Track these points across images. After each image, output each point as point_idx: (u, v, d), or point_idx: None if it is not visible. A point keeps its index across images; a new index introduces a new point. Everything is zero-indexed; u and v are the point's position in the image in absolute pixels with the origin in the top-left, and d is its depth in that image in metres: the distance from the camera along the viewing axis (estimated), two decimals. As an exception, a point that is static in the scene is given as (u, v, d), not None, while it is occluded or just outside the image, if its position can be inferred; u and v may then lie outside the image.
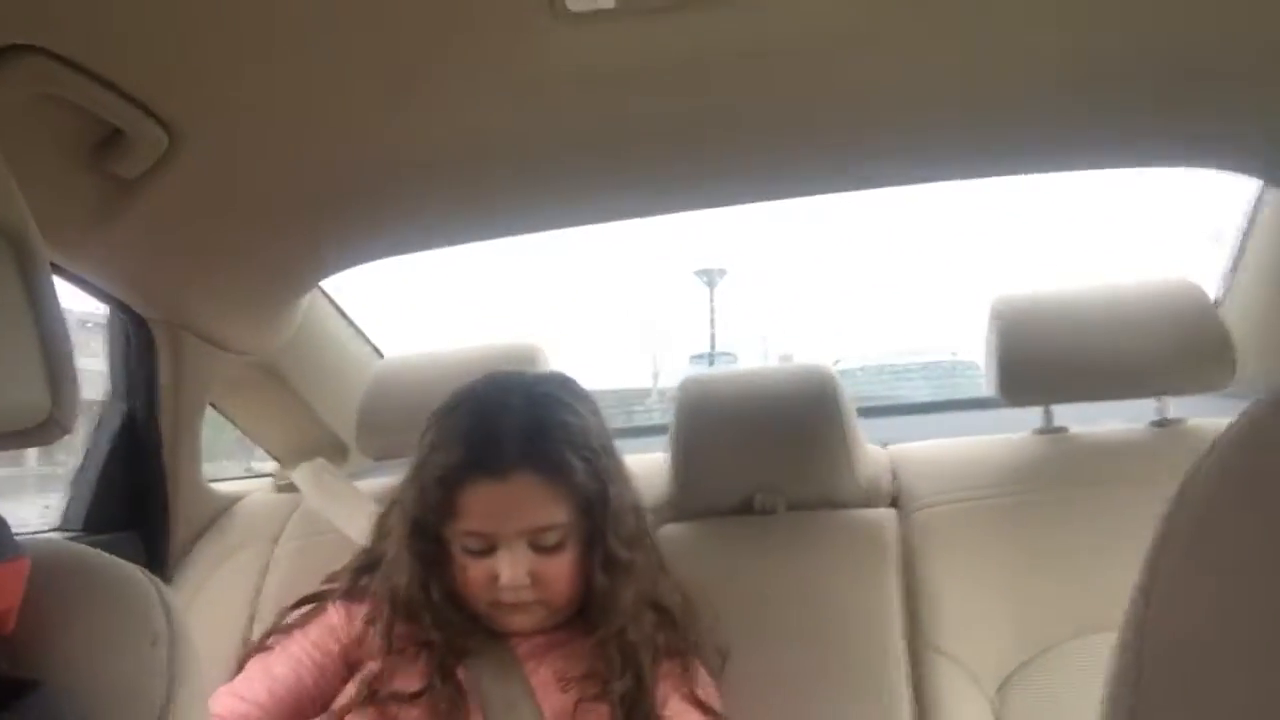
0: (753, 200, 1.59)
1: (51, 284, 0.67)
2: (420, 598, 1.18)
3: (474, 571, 1.16)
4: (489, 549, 1.16)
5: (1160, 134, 1.38)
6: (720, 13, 1.01)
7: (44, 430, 0.68)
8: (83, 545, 0.60)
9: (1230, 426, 0.38)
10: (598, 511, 1.17)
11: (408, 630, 1.19)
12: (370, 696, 1.14)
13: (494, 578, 1.15)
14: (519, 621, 1.19)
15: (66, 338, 0.67)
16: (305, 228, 1.44)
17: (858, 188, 1.55)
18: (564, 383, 1.26)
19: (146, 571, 0.58)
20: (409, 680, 1.15)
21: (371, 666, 1.18)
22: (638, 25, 1.00)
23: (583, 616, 1.21)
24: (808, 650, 1.36)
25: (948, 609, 1.37)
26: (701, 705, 1.21)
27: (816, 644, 1.36)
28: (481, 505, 1.14)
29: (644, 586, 1.22)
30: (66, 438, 0.69)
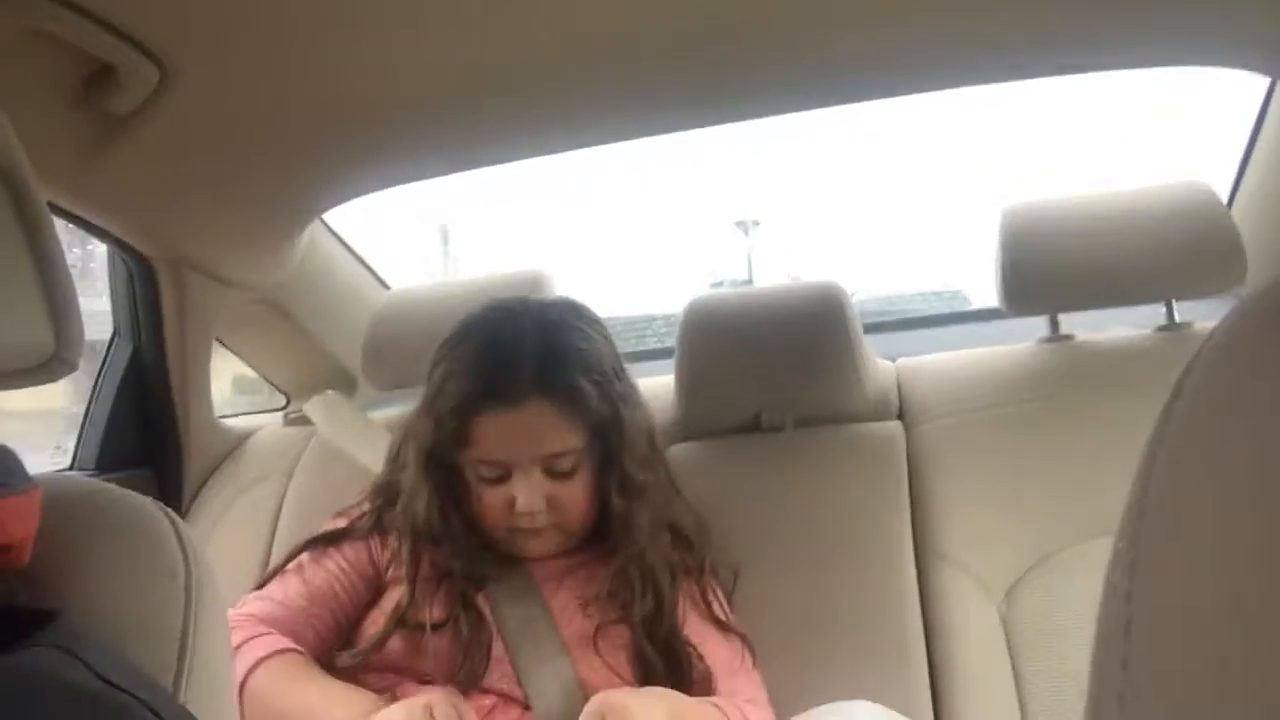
0: (755, 115, 1.56)
1: (50, 222, 0.66)
2: (440, 525, 1.19)
3: (490, 499, 1.18)
4: (504, 476, 1.17)
5: (1164, 31, 1.35)
6: None
7: (48, 368, 0.68)
8: (96, 481, 0.60)
9: (1224, 319, 0.37)
10: (612, 435, 1.18)
11: (429, 559, 1.20)
12: (399, 624, 1.16)
13: (510, 504, 1.16)
14: (536, 546, 1.20)
15: (67, 275, 0.67)
16: (303, 160, 1.43)
17: (860, 98, 1.52)
18: (572, 307, 1.25)
19: (161, 505, 0.58)
20: (433, 609, 1.16)
21: (394, 595, 1.20)
22: None
23: (599, 539, 1.23)
24: (818, 563, 1.38)
25: (955, 519, 1.38)
26: (719, 623, 1.23)
27: (826, 557, 1.38)
28: (496, 433, 1.15)
29: (659, 507, 1.23)
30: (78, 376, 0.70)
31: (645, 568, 1.18)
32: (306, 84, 1.23)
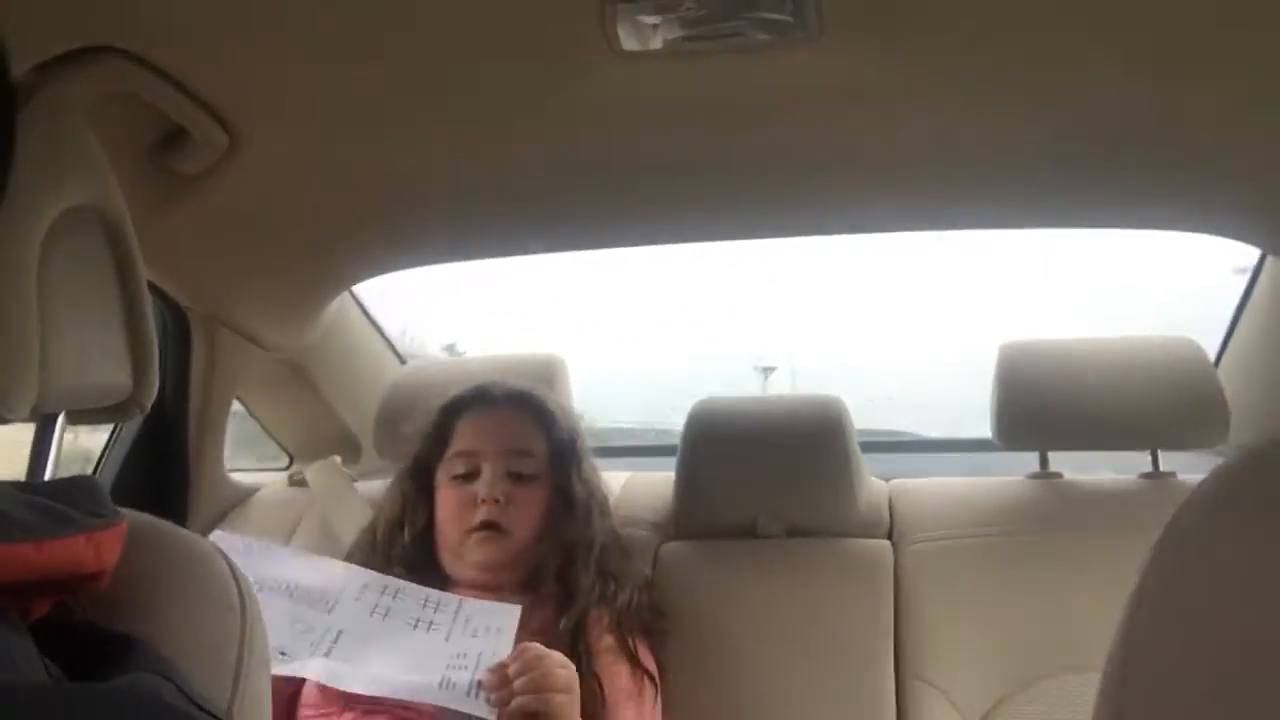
0: (781, 234, 1.65)
1: (140, 270, 0.72)
2: (391, 535, 1.36)
3: (455, 498, 1.33)
4: (473, 473, 1.33)
5: (1161, 200, 1.43)
6: (758, 60, 1.07)
7: (123, 409, 0.73)
8: (156, 518, 0.64)
9: (1202, 483, 0.41)
10: (569, 464, 1.36)
11: None
12: None
13: (473, 500, 1.31)
14: (485, 553, 1.30)
15: (151, 323, 0.73)
16: (348, 233, 1.50)
17: (880, 229, 1.63)
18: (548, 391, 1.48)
19: (218, 547, 0.63)
20: None
21: None
22: (684, 65, 1.07)
23: (535, 585, 1.32)
24: (799, 672, 1.41)
25: (935, 640, 1.41)
26: (630, 656, 1.30)
27: (808, 667, 1.41)
28: (472, 429, 1.37)
29: (589, 541, 1.35)
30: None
31: (573, 591, 1.30)
32: (357, 162, 1.31)
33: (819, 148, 1.29)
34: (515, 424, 1.38)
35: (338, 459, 1.82)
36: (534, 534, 1.33)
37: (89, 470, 1.60)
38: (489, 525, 1.30)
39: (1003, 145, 1.27)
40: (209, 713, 0.44)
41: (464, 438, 1.37)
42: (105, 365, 0.69)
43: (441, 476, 1.37)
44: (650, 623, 1.37)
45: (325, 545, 1.62)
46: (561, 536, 1.33)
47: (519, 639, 1.25)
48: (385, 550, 1.35)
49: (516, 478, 1.34)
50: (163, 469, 1.62)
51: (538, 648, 1.11)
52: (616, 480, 1.70)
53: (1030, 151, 1.28)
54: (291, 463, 1.99)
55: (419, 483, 1.39)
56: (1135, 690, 0.42)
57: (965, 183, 1.40)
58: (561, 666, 1.10)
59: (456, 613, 1.17)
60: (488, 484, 1.32)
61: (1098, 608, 1.34)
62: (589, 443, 1.46)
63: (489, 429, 1.37)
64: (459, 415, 1.39)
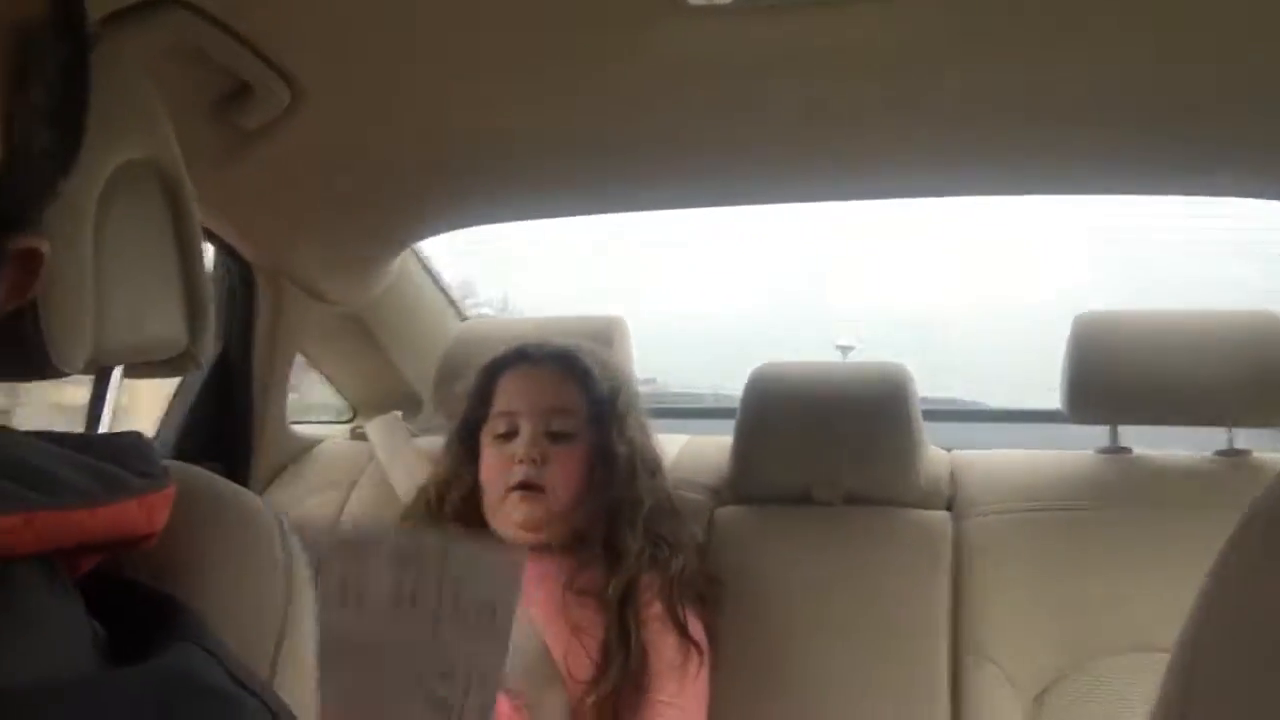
0: (846, 198, 1.62)
1: (197, 225, 0.72)
2: (435, 497, 1.38)
3: (496, 457, 1.35)
4: (512, 431, 1.34)
5: (1231, 165, 1.37)
6: (828, 14, 1.04)
7: (179, 362, 0.74)
8: (204, 470, 0.64)
9: None
10: (609, 421, 1.35)
11: None
12: None
13: (511, 459, 1.32)
14: (525, 511, 1.31)
15: (206, 279, 0.73)
16: (411, 189, 1.50)
17: (948, 193, 1.58)
18: (600, 351, 1.46)
19: (267, 501, 0.63)
20: None
21: None
22: (751, 20, 1.04)
23: (583, 547, 1.32)
24: (853, 643, 1.40)
25: (993, 615, 1.39)
26: (679, 626, 1.30)
27: (862, 637, 1.40)
28: (513, 387, 1.37)
29: (633, 501, 1.33)
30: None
31: (620, 552, 1.30)
32: (420, 117, 1.31)
33: (890, 105, 1.25)
34: (553, 382, 1.37)
35: (398, 414, 1.84)
36: (574, 493, 1.32)
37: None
38: (527, 485, 1.31)
39: (1094, 99, 1.22)
40: (248, 689, 0.44)
41: (504, 398, 1.38)
42: (161, 320, 0.69)
43: (485, 436, 1.38)
44: (703, 590, 1.36)
45: (384, 499, 1.65)
46: (605, 496, 1.32)
47: (568, 599, 1.26)
48: (438, 509, 1.37)
49: (555, 436, 1.34)
50: (227, 420, 1.65)
51: None
52: (674, 443, 1.70)
53: (1118, 108, 1.23)
54: (354, 416, 2.02)
55: (466, 443, 1.40)
56: (1203, 673, 0.40)
57: (1048, 142, 1.34)
58: None
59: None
60: (525, 443, 1.32)
61: (1165, 587, 1.32)
62: (653, 404, 1.45)
63: (527, 388, 1.37)
64: (499, 375, 1.40)
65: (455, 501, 1.37)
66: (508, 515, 1.32)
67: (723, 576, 1.44)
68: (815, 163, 1.44)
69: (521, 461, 1.31)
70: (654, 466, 1.39)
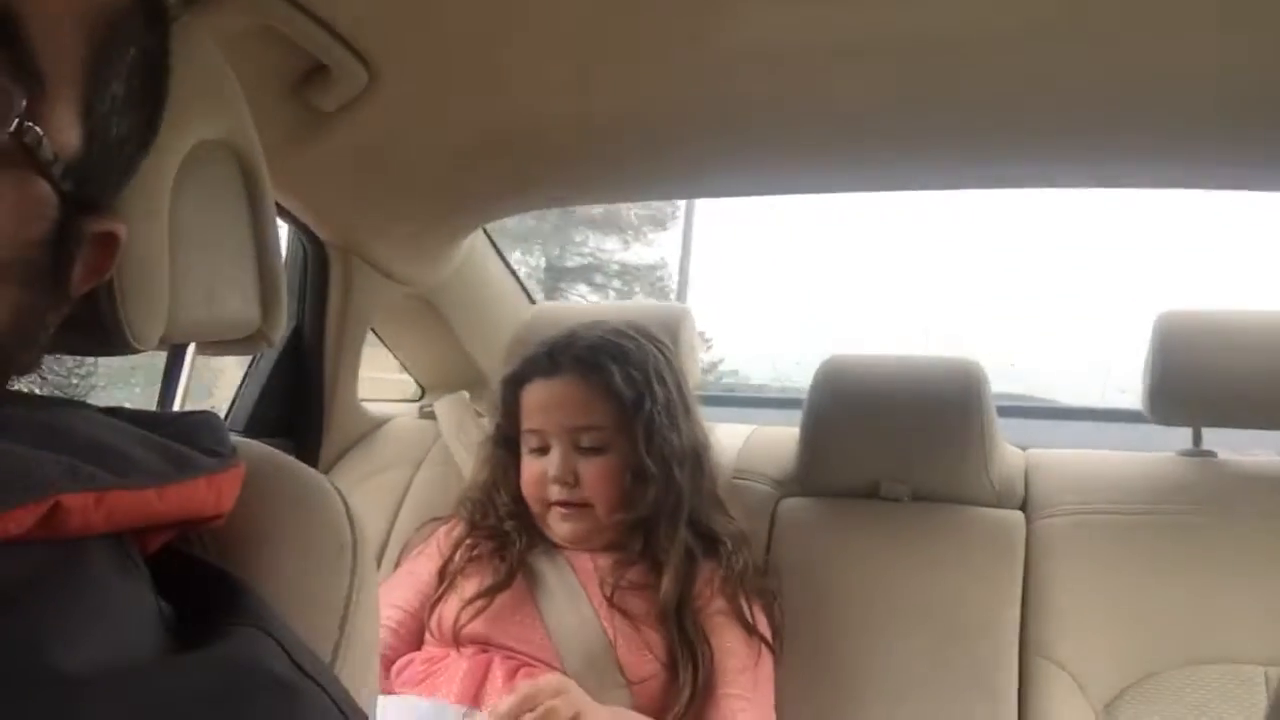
0: (915, 188, 1.58)
1: (272, 206, 0.73)
2: (485, 500, 1.38)
3: (531, 470, 1.33)
4: (544, 447, 1.32)
5: None
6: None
7: (252, 341, 0.74)
8: (273, 449, 0.64)
9: None
10: (638, 426, 1.29)
11: (483, 538, 1.35)
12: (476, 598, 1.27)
13: (546, 475, 1.30)
14: (569, 530, 1.31)
15: (280, 260, 0.73)
16: (482, 171, 1.50)
17: (1044, 185, 1.55)
18: (643, 329, 1.41)
19: (333, 482, 0.63)
20: (485, 579, 1.29)
21: (466, 581, 1.31)
22: (820, 6, 1.02)
23: (634, 541, 1.31)
24: (917, 641, 1.37)
25: (1065, 619, 1.35)
26: (744, 622, 1.28)
27: (927, 636, 1.37)
28: (536, 402, 1.33)
29: (691, 508, 1.31)
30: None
31: (662, 556, 1.28)
32: (492, 101, 1.30)
33: (985, 92, 1.21)
34: (577, 398, 1.31)
35: (466, 394, 1.85)
36: (613, 503, 1.30)
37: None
38: (564, 503, 1.30)
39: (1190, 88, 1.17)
40: (311, 677, 0.44)
41: (531, 415, 1.34)
42: (234, 298, 0.70)
43: (522, 446, 1.36)
44: (763, 583, 1.35)
45: (449, 478, 1.66)
46: (643, 502, 1.29)
47: (621, 593, 1.27)
48: (493, 509, 1.37)
49: (587, 451, 1.30)
50: (298, 397, 1.68)
51: (529, 687, 1.09)
52: (740, 433, 1.68)
53: (1209, 99, 1.18)
54: (424, 395, 2.04)
55: (505, 448, 1.39)
56: None
57: (1152, 133, 1.29)
58: (556, 694, 1.07)
59: None
60: (557, 465, 1.30)
61: (1246, 596, 1.28)
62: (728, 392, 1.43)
63: (551, 406, 1.32)
64: (524, 383, 1.35)
65: (507, 503, 1.36)
66: (551, 527, 1.32)
67: (784, 568, 1.43)
68: (901, 150, 1.41)
69: (554, 482, 1.30)
70: (698, 462, 1.35)
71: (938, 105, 1.24)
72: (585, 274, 9.77)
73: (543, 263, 9.51)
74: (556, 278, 9.51)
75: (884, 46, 1.11)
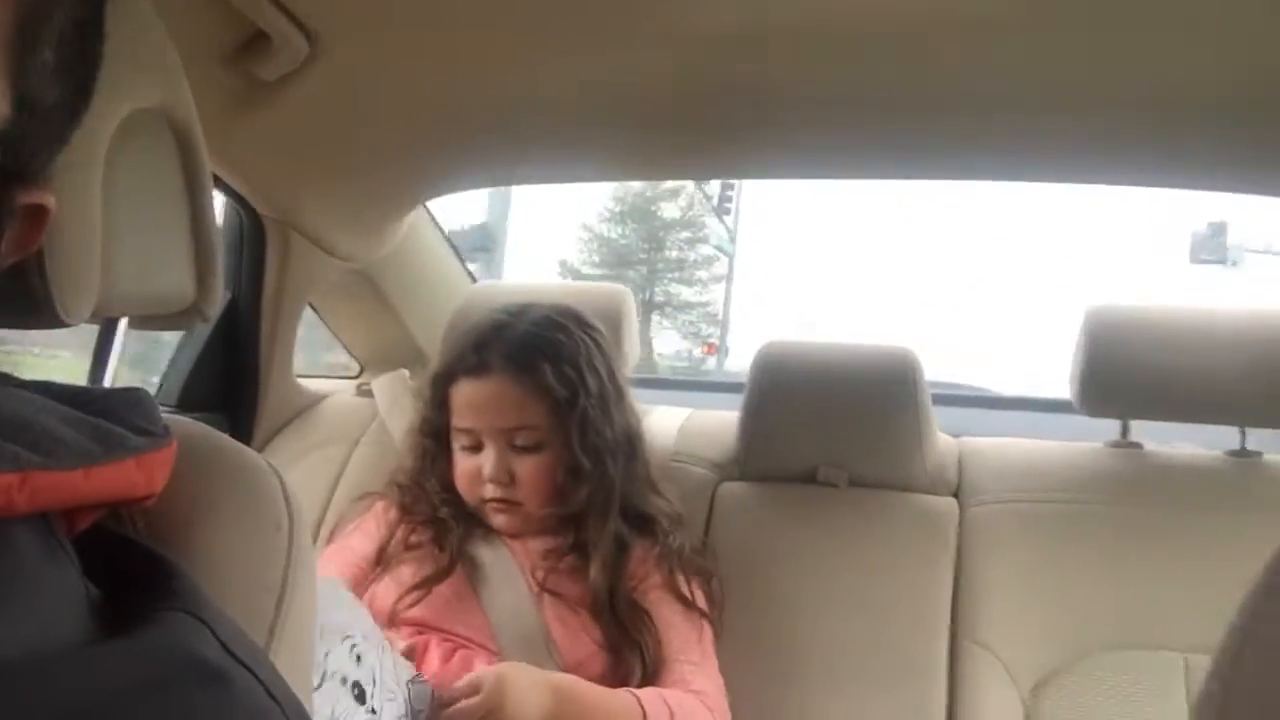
0: (906, 177, 1.61)
1: (208, 177, 0.71)
2: (415, 487, 1.35)
3: (466, 468, 1.31)
4: (477, 446, 1.30)
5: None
6: None
7: (186, 316, 0.73)
8: (206, 427, 0.63)
9: None
10: (570, 421, 1.27)
11: (419, 524, 1.33)
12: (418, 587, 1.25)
13: (480, 473, 1.28)
14: (504, 522, 1.30)
15: (216, 232, 0.72)
16: (425, 147, 1.48)
17: (1039, 178, 1.60)
18: (576, 315, 1.37)
19: (268, 460, 0.62)
20: (424, 566, 1.27)
21: (401, 566, 1.29)
22: None
23: (571, 524, 1.30)
24: (852, 624, 1.39)
25: (995, 605, 1.38)
26: (683, 599, 1.28)
27: (861, 620, 1.40)
28: (467, 402, 1.30)
29: (623, 496, 1.31)
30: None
31: (591, 549, 1.27)
32: (438, 75, 1.29)
33: (964, 80, 1.22)
34: (509, 398, 1.27)
35: (405, 373, 1.83)
36: (546, 497, 1.29)
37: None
38: (499, 500, 1.29)
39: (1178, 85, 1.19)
40: (242, 662, 0.43)
41: (462, 414, 1.30)
42: (169, 272, 0.68)
43: (453, 442, 1.33)
44: (700, 565, 1.35)
45: (387, 456, 1.64)
46: (576, 496, 1.28)
47: (556, 575, 1.27)
48: (425, 497, 1.34)
49: (521, 450, 1.28)
50: (232, 372, 1.65)
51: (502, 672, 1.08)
52: (677, 416, 1.69)
53: (1192, 100, 1.20)
54: (361, 372, 2.01)
55: (435, 439, 1.35)
56: (1246, 677, 0.39)
57: (1148, 129, 1.31)
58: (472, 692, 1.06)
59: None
60: (492, 466, 1.27)
61: (1169, 585, 1.32)
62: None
63: (483, 407, 1.28)
64: (452, 382, 1.31)
65: (439, 491, 1.33)
66: (487, 518, 1.31)
67: (722, 551, 1.44)
68: (870, 138, 1.42)
69: (489, 482, 1.28)
70: (630, 449, 1.34)
71: (927, 90, 1.25)
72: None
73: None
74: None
75: (826, 31, 1.11)
